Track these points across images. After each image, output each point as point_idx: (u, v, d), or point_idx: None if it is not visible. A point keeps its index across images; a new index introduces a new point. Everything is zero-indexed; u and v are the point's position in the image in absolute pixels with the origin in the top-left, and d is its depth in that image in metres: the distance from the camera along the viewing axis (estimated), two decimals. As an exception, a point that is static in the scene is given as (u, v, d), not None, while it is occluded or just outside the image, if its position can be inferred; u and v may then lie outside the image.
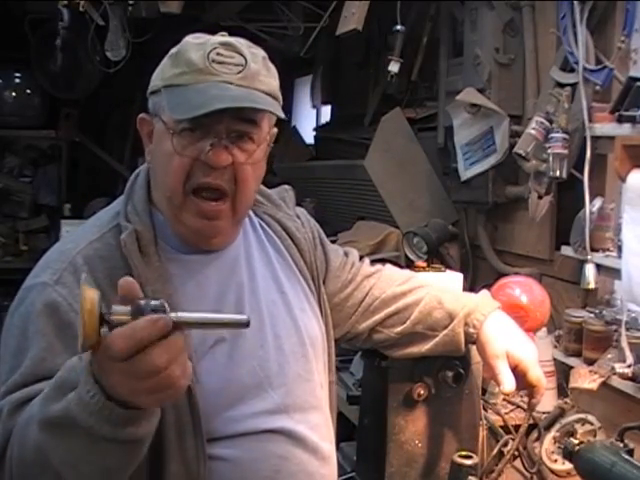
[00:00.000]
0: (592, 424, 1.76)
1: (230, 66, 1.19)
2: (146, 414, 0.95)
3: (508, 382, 1.37)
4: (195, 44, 1.21)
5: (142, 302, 0.89)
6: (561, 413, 1.81)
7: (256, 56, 1.23)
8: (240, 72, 1.19)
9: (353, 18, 2.53)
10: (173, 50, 1.24)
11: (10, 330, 1.17)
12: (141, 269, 1.19)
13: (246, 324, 0.92)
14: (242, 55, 1.21)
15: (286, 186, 1.52)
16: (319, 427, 1.33)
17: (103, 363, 0.90)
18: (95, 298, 0.87)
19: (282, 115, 1.23)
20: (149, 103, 1.26)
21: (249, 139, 1.22)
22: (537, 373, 1.40)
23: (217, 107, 1.14)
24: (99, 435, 0.93)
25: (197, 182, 1.19)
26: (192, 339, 1.19)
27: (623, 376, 1.79)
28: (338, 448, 1.42)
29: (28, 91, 5.17)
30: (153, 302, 0.89)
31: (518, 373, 1.39)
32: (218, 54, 1.19)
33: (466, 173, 2.59)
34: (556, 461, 1.74)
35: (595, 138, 2.01)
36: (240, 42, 1.24)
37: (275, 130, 1.30)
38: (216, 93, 1.16)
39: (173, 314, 0.89)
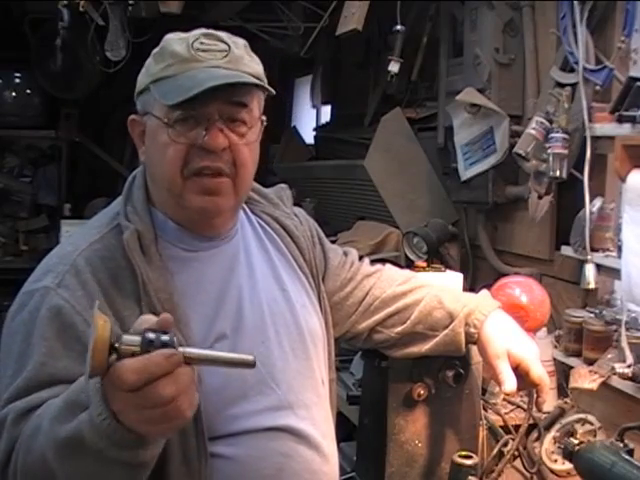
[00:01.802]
0: (592, 424, 1.76)
1: (215, 52, 1.22)
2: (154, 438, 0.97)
3: (509, 382, 1.37)
4: (177, 39, 1.24)
5: (152, 335, 0.91)
6: (561, 413, 1.81)
7: (237, 44, 1.26)
8: (225, 57, 1.22)
9: (353, 18, 2.52)
10: (155, 50, 1.26)
11: (11, 335, 1.17)
12: (143, 268, 1.20)
13: (252, 364, 0.95)
14: (224, 42, 1.23)
15: (283, 185, 1.52)
16: (321, 424, 1.33)
17: (110, 390, 0.92)
18: (107, 327, 0.89)
19: (272, 91, 1.25)
20: (137, 104, 1.28)
21: (241, 122, 1.23)
22: (539, 372, 1.40)
23: (210, 85, 1.15)
24: (107, 457, 0.94)
25: (195, 167, 1.21)
26: (193, 336, 1.20)
27: (623, 376, 1.79)
28: (338, 448, 1.42)
29: (28, 91, 5.16)
30: (163, 337, 0.91)
31: (520, 372, 1.39)
32: (201, 43, 1.22)
33: (466, 173, 2.59)
34: (556, 461, 1.74)
35: (595, 138, 2.01)
36: (220, 32, 1.26)
37: (264, 118, 1.30)
38: (206, 76, 1.18)
39: (181, 349, 0.91)
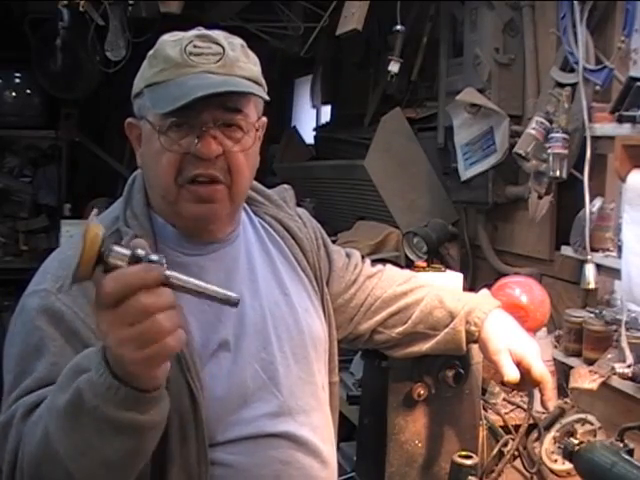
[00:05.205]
0: (592, 424, 1.76)
1: (208, 56, 1.19)
2: (152, 399, 0.94)
3: (512, 372, 1.36)
4: (171, 41, 1.21)
5: (141, 252, 0.90)
6: (561, 413, 1.81)
7: (233, 44, 1.23)
8: (219, 60, 1.19)
9: (353, 18, 2.53)
10: (151, 51, 1.24)
11: (13, 338, 1.16)
12: None
13: (235, 302, 0.93)
14: (219, 44, 1.20)
15: (285, 185, 1.50)
16: (320, 429, 1.32)
17: (96, 311, 0.90)
18: (99, 234, 0.88)
19: (265, 97, 1.23)
20: (134, 107, 1.26)
21: (237, 127, 1.21)
22: (541, 369, 1.39)
23: (198, 95, 1.12)
24: (102, 417, 0.92)
25: (189, 174, 1.19)
26: (195, 343, 1.19)
27: (623, 376, 1.79)
28: (338, 448, 1.42)
29: (28, 91, 5.16)
30: (153, 256, 0.91)
31: (521, 370, 1.38)
32: (195, 46, 1.19)
33: (466, 173, 2.59)
34: (556, 461, 1.74)
35: (595, 138, 2.01)
36: (216, 33, 1.23)
37: (265, 119, 1.29)
38: (196, 83, 1.15)
39: (168, 272, 0.91)
